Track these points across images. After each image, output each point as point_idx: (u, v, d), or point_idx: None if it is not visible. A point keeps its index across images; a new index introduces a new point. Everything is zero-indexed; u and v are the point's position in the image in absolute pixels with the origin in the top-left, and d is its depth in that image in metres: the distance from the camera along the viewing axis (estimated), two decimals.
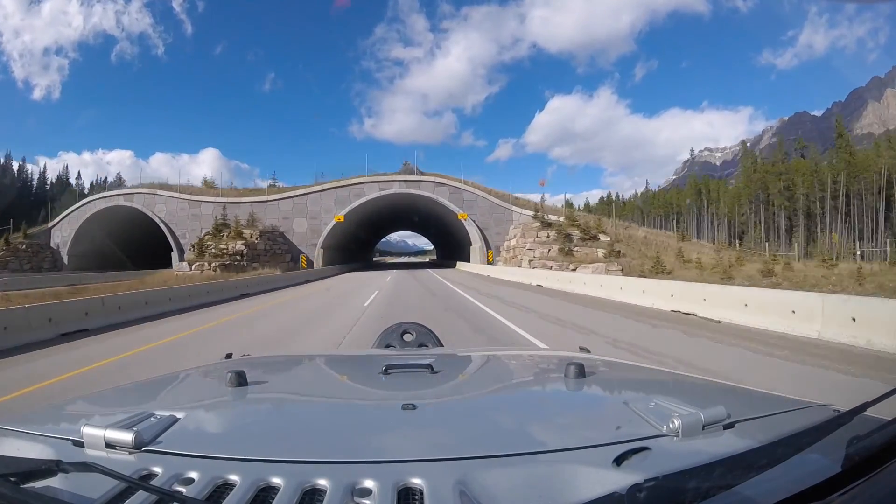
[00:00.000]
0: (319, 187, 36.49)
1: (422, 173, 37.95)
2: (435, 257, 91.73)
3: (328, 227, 35.56)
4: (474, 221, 35.52)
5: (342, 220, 34.95)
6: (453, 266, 42.30)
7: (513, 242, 32.85)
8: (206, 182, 44.76)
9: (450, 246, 50.50)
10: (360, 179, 36.64)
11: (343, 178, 36.72)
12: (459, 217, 34.91)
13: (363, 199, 36.24)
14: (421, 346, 1.79)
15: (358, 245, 50.13)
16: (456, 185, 36.58)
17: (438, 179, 36.65)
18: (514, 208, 36.14)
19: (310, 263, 35.21)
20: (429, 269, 37.87)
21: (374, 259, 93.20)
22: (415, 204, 38.66)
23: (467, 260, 39.11)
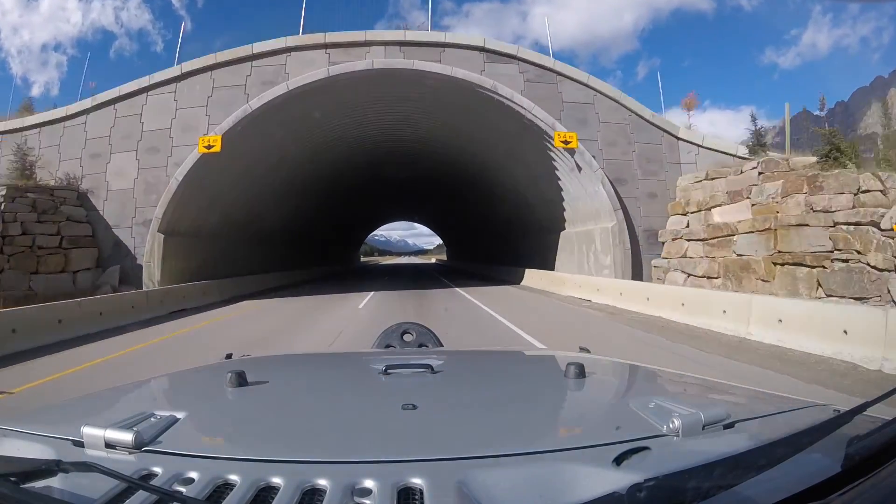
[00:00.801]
0: (177, 70, 12.45)
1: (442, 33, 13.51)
2: (445, 257, 61.73)
3: (182, 170, 11.39)
4: (595, 159, 11.50)
5: (218, 146, 10.86)
6: (513, 280, 18.20)
7: (725, 216, 9.09)
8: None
9: (491, 233, 24.55)
10: (280, 44, 12.41)
11: (238, 48, 12.58)
12: (558, 142, 10.84)
13: (279, 91, 12.02)
14: (421, 346, 1.74)
15: (315, 232, 25.25)
16: (541, 64, 12.53)
17: (493, 45, 12.58)
18: (682, 137, 13.92)
19: (136, 277, 11.51)
20: (462, 291, 15.61)
21: (362, 261, 64.60)
22: (428, 108, 14.50)
23: (546, 264, 16.32)
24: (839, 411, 0.75)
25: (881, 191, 9.01)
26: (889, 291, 7.26)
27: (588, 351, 1.55)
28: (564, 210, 14.67)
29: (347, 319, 9.40)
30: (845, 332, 5.25)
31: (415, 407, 0.85)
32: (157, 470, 0.63)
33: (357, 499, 0.56)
